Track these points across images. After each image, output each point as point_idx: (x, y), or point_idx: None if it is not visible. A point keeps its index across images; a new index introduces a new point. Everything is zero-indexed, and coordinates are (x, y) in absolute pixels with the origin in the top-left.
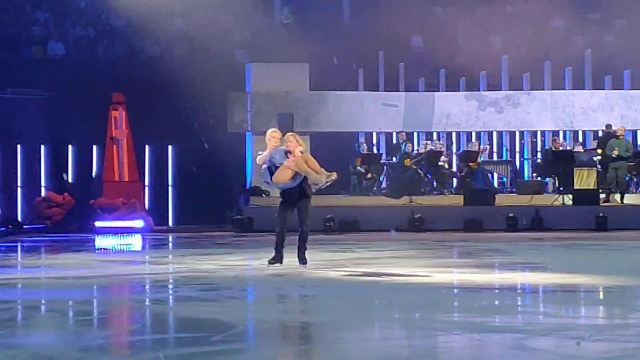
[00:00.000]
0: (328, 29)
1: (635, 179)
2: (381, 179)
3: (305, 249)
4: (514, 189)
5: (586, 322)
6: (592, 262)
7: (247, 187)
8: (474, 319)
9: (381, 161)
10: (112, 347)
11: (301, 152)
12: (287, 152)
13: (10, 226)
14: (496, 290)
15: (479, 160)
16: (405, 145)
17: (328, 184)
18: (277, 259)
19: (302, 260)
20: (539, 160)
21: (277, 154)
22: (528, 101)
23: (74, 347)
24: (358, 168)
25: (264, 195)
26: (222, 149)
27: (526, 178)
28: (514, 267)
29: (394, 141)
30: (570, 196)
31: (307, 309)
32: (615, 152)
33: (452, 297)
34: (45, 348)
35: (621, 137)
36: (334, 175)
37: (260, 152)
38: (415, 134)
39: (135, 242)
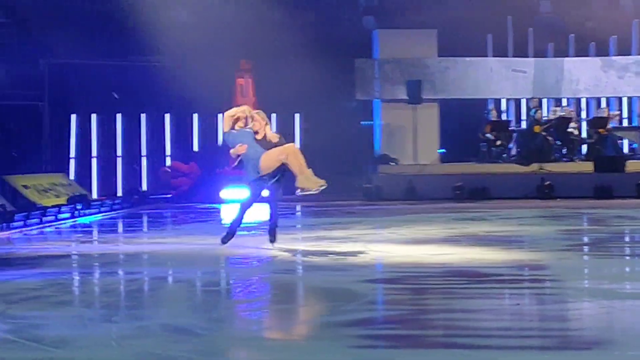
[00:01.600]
0: None
1: None
2: (510, 146)
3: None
4: None
5: None
6: None
7: (376, 155)
8: (604, 286)
9: (510, 128)
10: (240, 318)
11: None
12: (256, 134)
13: (135, 197)
14: (627, 258)
15: (609, 126)
16: (535, 112)
17: (314, 193)
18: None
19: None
20: None
21: (243, 136)
22: None
23: (203, 318)
24: (487, 135)
25: (393, 163)
26: (349, 116)
27: None
28: None
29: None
30: None
31: (436, 275)
32: None
33: (581, 264)
34: (174, 319)
35: None
36: (324, 184)
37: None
38: (544, 101)
39: (262, 211)
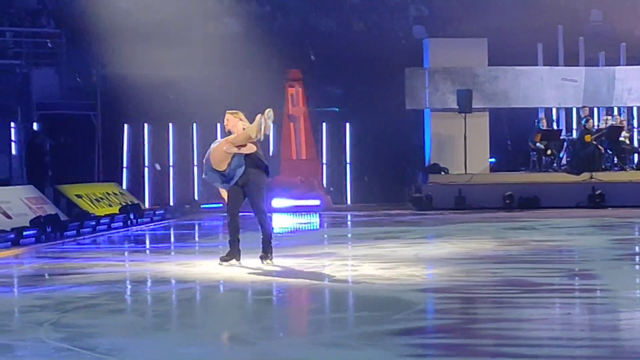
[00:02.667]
0: (506, 3)
1: None
2: (561, 155)
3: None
4: None
5: None
6: None
7: (426, 164)
8: None
9: (561, 137)
10: (293, 327)
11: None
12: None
13: (187, 205)
14: None
15: None
16: (585, 121)
17: (270, 121)
18: (233, 254)
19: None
20: None
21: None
22: None
23: (255, 327)
24: (538, 144)
25: (443, 172)
26: (399, 126)
27: None
28: None
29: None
30: None
31: (486, 284)
32: None
33: (633, 274)
34: (226, 328)
35: None
36: (269, 111)
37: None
38: (595, 110)
39: (313, 220)
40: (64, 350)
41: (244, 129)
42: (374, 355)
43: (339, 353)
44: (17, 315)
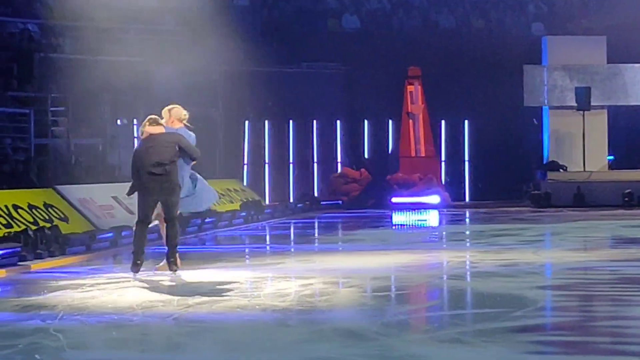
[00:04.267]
0: (625, 1)
1: None
2: None
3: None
4: None
5: None
6: None
7: (545, 161)
8: None
9: None
10: (413, 323)
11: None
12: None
13: (307, 202)
14: None
15: None
16: None
17: None
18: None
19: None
20: None
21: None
22: None
23: (376, 323)
24: None
25: (561, 170)
26: (517, 123)
27: None
28: None
29: None
30: None
31: (606, 282)
32: None
33: None
34: (347, 323)
35: None
36: None
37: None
38: None
39: (432, 218)
40: (187, 345)
41: None
42: (494, 353)
43: (459, 350)
44: (141, 310)
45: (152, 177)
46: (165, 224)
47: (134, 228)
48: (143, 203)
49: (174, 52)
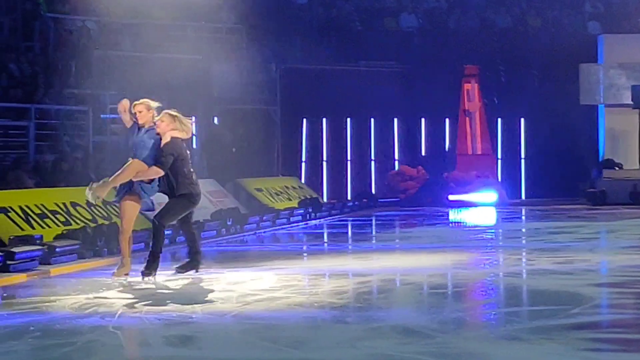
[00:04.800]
0: None
1: None
2: None
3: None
4: None
5: None
6: None
7: (600, 159)
8: None
9: None
10: (470, 320)
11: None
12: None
13: (364, 200)
14: None
15: None
16: None
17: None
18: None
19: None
20: None
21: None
22: None
23: (433, 320)
24: None
25: (617, 168)
26: (573, 121)
27: None
28: None
29: None
30: None
31: None
32: None
33: None
34: (404, 321)
35: None
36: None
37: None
38: None
39: (488, 215)
40: (246, 343)
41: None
42: (551, 350)
43: (516, 347)
44: (199, 307)
45: (199, 192)
46: (183, 229)
47: (156, 231)
48: (182, 211)
49: (231, 50)
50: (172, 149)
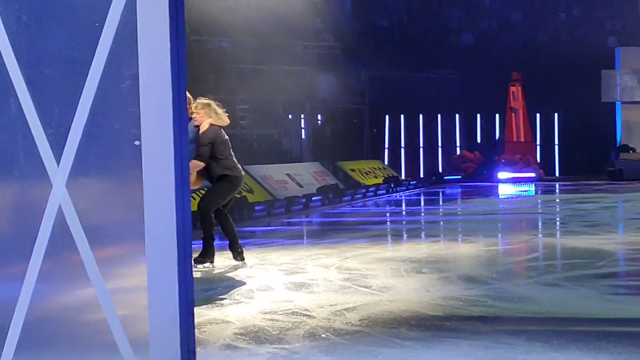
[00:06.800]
0: None
1: None
2: None
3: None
4: None
5: None
6: None
7: (617, 145)
8: None
9: None
10: (519, 271)
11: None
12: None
13: (433, 177)
14: None
15: None
16: None
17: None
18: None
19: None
20: None
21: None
22: None
23: (490, 270)
24: None
25: (631, 151)
26: (596, 115)
27: None
28: None
29: None
30: None
31: None
32: None
33: None
34: (467, 271)
35: None
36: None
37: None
38: None
39: (530, 189)
40: (346, 288)
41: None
42: (583, 294)
43: (556, 291)
44: (309, 261)
45: (241, 174)
46: (221, 218)
47: (203, 217)
48: (226, 194)
49: (331, 62)
50: (208, 137)
